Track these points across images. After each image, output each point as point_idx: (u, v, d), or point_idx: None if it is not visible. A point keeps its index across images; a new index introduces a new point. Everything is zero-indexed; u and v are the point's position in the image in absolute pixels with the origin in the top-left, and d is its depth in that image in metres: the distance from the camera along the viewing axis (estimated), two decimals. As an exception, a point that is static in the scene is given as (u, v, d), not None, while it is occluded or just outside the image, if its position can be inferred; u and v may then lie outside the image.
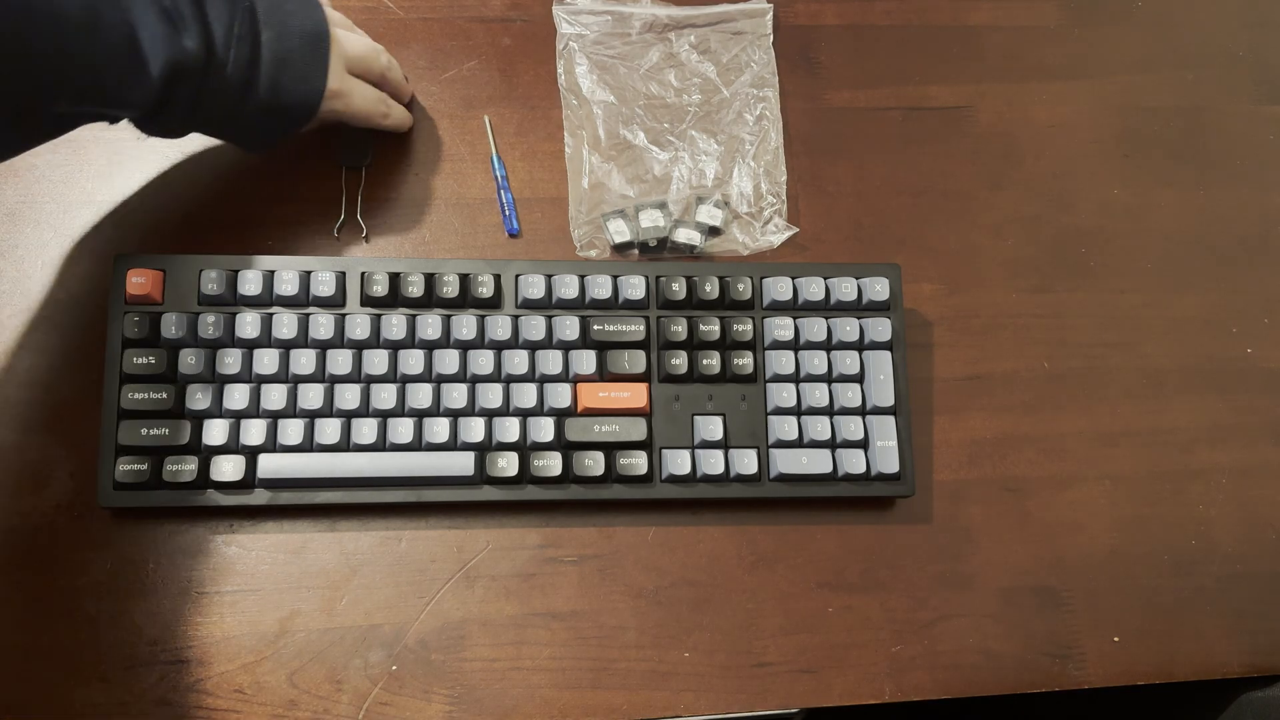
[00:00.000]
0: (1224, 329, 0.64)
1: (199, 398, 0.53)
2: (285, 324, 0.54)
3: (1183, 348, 0.63)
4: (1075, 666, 0.57)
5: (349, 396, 0.54)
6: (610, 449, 0.55)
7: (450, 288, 0.55)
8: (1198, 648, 0.58)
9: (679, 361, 0.56)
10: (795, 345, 0.57)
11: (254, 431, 0.53)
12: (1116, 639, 0.57)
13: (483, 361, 0.55)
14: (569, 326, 0.56)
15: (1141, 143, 0.67)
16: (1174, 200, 0.66)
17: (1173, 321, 0.64)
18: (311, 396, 0.53)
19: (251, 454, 0.53)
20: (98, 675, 0.51)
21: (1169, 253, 0.65)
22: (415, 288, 0.55)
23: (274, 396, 0.53)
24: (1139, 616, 0.58)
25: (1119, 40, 0.69)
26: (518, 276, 0.57)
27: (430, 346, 0.55)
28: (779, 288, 0.57)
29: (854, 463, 0.55)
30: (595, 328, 0.56)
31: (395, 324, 0.55)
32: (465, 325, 0.55)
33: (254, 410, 0.53)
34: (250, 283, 0.54)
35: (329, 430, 0.53)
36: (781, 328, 0.57)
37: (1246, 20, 0.71)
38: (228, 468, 0.52)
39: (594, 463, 0.54)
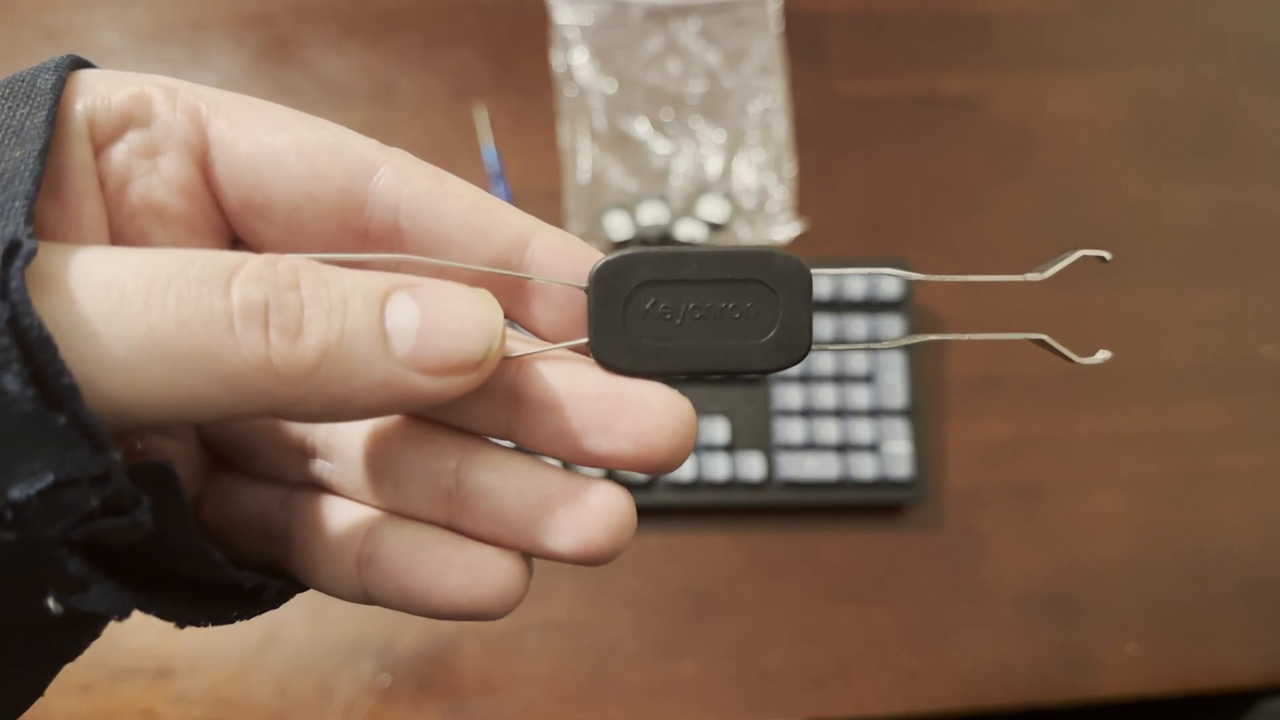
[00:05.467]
0: (1243, 328, 0.63)
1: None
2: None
3: (1201, 347, 0.62)
4: (1090, 677, 0.56)
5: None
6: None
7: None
8: (1215, 657, 0.57)
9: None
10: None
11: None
12: (1131, 649, 0.56)
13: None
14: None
15: (1159, 136, 0.66)
16: (1192, 195, 0.65)
17: (1191, 320, 0.62)
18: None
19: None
20: (81, 684, 0.50)
21: (1187, 249, 0.64)
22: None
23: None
24: (1155, 625, 0.57)
25: (1136, 30, 0.68)
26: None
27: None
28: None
29: (862, 467, 0.54)
30: (594, 327, 0.54)
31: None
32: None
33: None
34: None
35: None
36: (787, 327, 0.55)
37: (1267, 10, 0.69)
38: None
39: (592, 467, 0.53)
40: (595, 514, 0.17)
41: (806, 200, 0.61)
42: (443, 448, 0.17)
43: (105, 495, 0.13)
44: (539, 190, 0.60)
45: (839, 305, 0.57)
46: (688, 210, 0.60)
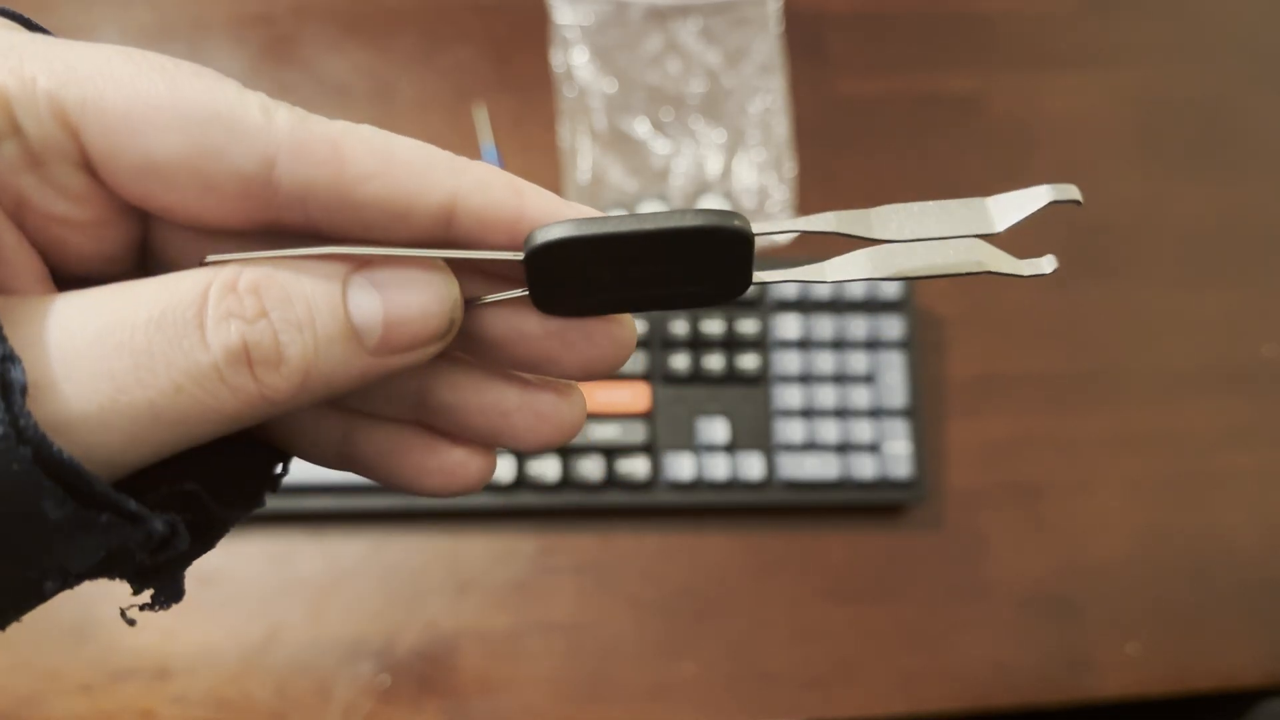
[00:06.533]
0: (1245, 328, 0.62)
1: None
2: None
3: (1202, 347, 0.62)
4: (1090, 677, 0.55)
5: (338, 398, 0.52)
6: (609, 453, 0.53)
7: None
8: (1217, 657, 0.57)
9: (681, 361, 0.54)
10: (802, 344, 0.56)
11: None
12: (1131, 649, 0.56)
13: (477, 362, 0.53)
14: (567, 325, 0.54)
15: (1159, 136, 0.65)
16: (1194, 195, 0.65)
17: (1192, 320, 0.62)
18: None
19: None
20: (81, 685, 0.50)
21: (1188, 249, 0.63)
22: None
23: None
24: (1156, 625, 0.57)
25: (1138, 28, 0.68)
26: (513, 273, 0.55)
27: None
28: (785, 284, 0.56)
29: (863, 467, 0.54)
30: (594, 327, 0.54)
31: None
32: (459, 324, 0.53)
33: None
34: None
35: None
36: (788, 326, 0.55)
37: (1270, 9, 0.69)
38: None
39: (592, 467, 0.53)
40: (552, 424, 0.18)
41: (806, 200, 0.61)
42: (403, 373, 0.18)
43: (150, 547, 0.15)
44: (539, 190, 0.60)
45: (840, 306, 0.56)
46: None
